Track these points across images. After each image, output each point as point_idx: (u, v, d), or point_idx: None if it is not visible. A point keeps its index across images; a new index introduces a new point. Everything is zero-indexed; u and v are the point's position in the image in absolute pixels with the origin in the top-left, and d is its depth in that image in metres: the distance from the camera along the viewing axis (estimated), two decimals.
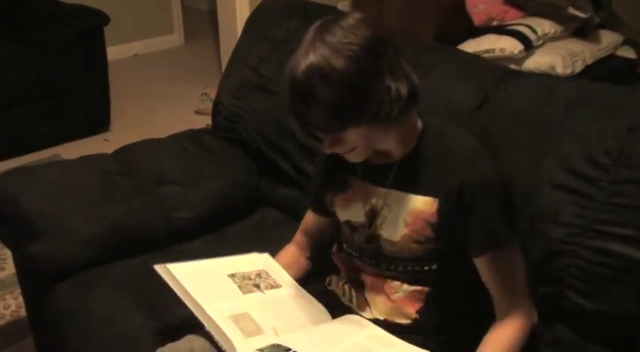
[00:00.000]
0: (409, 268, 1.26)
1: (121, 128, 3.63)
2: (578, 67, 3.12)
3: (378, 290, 1.31)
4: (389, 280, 1.29)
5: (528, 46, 3.02)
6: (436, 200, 1.20)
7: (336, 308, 1.36)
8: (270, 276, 1.40)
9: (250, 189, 1.92)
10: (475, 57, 1.81)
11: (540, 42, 3.09)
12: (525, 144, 1.35)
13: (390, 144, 1.24)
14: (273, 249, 1.52)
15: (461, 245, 1.21)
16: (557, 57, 3.06)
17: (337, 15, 1.15)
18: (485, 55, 2.89)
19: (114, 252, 1.69)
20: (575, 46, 3.19)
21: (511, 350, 1.19)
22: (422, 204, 1.22)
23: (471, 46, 3.00)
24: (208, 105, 3.37)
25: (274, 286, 1.37)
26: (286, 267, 1.45)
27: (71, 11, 3.48)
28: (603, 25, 3.33)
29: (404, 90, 1.15)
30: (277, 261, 1.47)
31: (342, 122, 1.14)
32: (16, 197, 1.69)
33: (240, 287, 1.33)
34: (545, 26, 3.12)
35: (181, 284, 1.27)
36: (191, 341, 1.28)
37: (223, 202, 1.85)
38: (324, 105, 1.10)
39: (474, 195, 1.17)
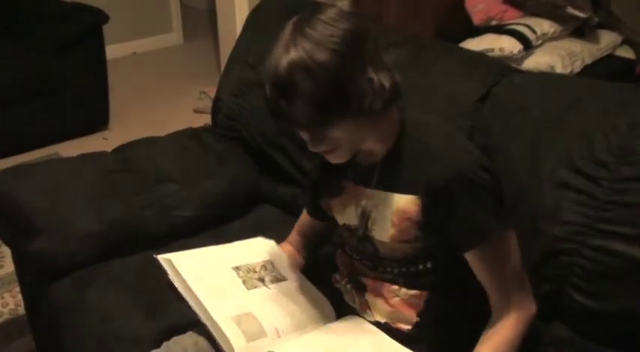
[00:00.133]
0: (404, 269, 1.26)
1: (119, 126, 3.63)
2: (577, 67, 3.12)
3: (377, 293, 1.30)
4: (387, 283, 1.28)
5: (527, 46, 3.02)
6: (418, 198, 1.18)
7: (341, 306, 1.36)
8: (276, 268, 1.39)
9: (250, 187, 1.93)
10: (476, 53, 1.81)
11: (539, 42, 3.10)
12: (527, 142, 1.34)
13: (373, 142, 1.22)
14: None
15: (449, 242, 1.19)
16: (556, 57, 3.07)
17: (315, 9, 1.13)
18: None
19: (113, 249, 1.68)
20: (574, 45, 3.19)
21: (508, 348, 1.18)
22: (405, 203, 1.20)
23: (470, 46, 3.00)
24: (207, 104, 3.37)
25: (279, 279, 1.37)
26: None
27: (70, 10, 3.47)
28: (602, 25, 3.33)
29: (386, 82, 1.14)
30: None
31: (327, 116, 1.11)
32: (16, 194, 1.69)
33: (244, 281, 1.32)
34: (544, 26, 3.13)
35: (184, 280, 1.27)
36: (183, 341, 1.29)
37: (223, 200, 1.85)
38: (308, 100, 1.08)
39: (451, 190, 1.14)
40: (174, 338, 1.31)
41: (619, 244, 1.22)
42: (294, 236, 1.53)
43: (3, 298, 2.34)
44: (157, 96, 4.04)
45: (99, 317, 1.52)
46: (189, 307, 1.26)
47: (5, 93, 3.21)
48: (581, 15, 3.14)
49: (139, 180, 1.80)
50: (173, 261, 1.31)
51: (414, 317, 1.27)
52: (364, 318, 1.32)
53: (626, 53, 3.39)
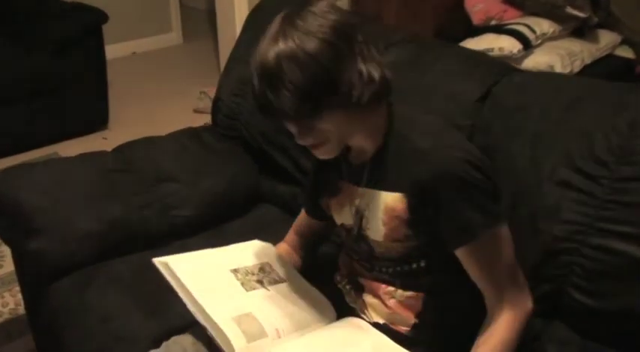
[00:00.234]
0: (398, 268, 1.25)
1: (119, 126, 3.63)
2: (577, 67, 3.12)
3: (375, 294, 1.30)
4: (384, 285, 1.28)
5: (527, 46, 3.03)
6: (405, 196, 1.18)
7: (342, 307, 1.35)
8: (274, 270, 1.38)
9: (250, 187, 1.93)
10: (476, 53, 1.81)
11: (539, 41, 3.10)
12: (527, 141, 1.34)
13: (362, 139, 1.22)
14: (273, 245, 1.52)
15: (439, 240, 1.18)
16: (555, 56, 3.07)
17: (304, 2, 1.13)
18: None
19: (113, 249, 1.69)
20: (574, 45, 3.19)
21: (505, 348, 1.16)
22: (392, 201, 1.19)
23: (469, 46, 3.00)
24: (207, 104, 3.37)
25: (278, 281, 1.36)
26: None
27: (70, 9, 3.47)
28: (602, 25, 3.33)
29: (376, 75, 1.14)
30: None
31: (314, 107, 1.10)
32: (16, 194, 1.69)
33: (243, 283, 1.31)
34: (543, 26, 3.13)
35: (182, 283, 1.26)
36: (183, 341, 1.29)
37: (223, 199, 1.85)
38: (295, 90, 1.07)
39: (437, 188, 1.13)
40: (173, 338, 1.31)
41: (619, 243, 1.22)
42: (291, 235, 1.53)
43: (3, 298, 2.34)
44: (156, 96, 4.04)
45: (99, 317, 1.52)
46: (187, 309, 1.25)
47: (5, 92, 3.21)
48: (581, 15, 3.14)
49: (138, 179, 1.80)
50: (170, 264, 1.29)
51: (412, 319, 1.26)
52: (364, 319, 1.31)
53: (626, 53, 3.39)
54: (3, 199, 1.71)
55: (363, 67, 1.12)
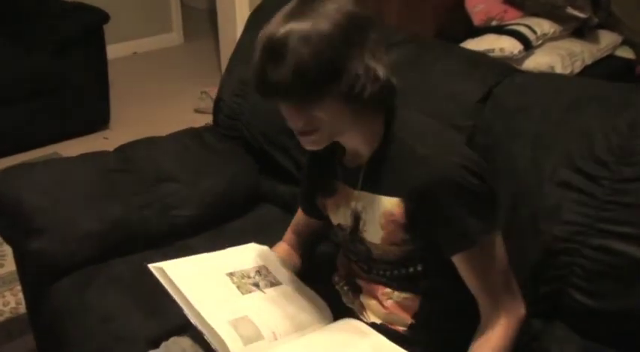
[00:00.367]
0: (395, 272, 1.25)
1: (120, 126, 3.63)
2: (577, 67, 3.12)
3: (372, 295, 1.30)
4: (381, 286, 1.28)
5: (528, 46, 3.03)
6: (402, 201, 1.17)
7: (339, 308, 1.35)
8: (270, 273, 1.38)
9: (250, 187, 1.93)
10: (477, 54, 1.82)
11: (540, 42, 3.10)
12: (527, 141, 1.35)
13: (355, 140, 1.21)
14: (273, 245, 1.52)
15: (437, 245, 1.18)
16: (556, 57, 3.07)
17: None
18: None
19: (114, 249, 1.69)
20: (575, 46, 3.19)
21: None
22: (390, 205, 1.19)
23: (470, 46, 3.00)
24: (208, 104, 3.38)
25: (274, 283, 1.35)
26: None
27: (71, 9, 3.48)
28: (602, 26, 3.33)
29: (381, 75, 1.12)
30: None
31: (314, 90, 1.07)
32: (17, 194, 1.70)
33: (239, 287, 1.31)
34: (544, 26, 3.13)
35: (178, 288, 1.25)
36: (182, 341, 1.29)
37: (223, 199, 1.85)
38: (299, 68, 1.05)
39: (435, 193, 1.13)
40: (172, 339, 1.31)
41: (619, 244, 1.22)
42: (289, 235, 1.53)
43: (4, 297, 2.34)
44: (157, 96, 4.04)
45: (99, 316, 1.52)
46: (184, 314, 1.24)
47: (6, 92, 3.21)
48: (581, 15, 3.14)
49: (139, 179, 1.81)
50: (165, 269, 1.29)
51: (408, 320, 1.26)
52: (361, 319, 1.31)
53: (626, 53, 3.39)
54: (4, 199, 1.71)
55: (371, 63, 1.11)
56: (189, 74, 4.38)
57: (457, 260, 1.18)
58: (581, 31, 3.26)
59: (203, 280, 1.31)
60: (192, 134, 2.02)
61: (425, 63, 1.61)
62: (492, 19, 3.22)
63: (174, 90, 4.11)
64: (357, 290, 1.34)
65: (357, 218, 1.26)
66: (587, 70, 3.15)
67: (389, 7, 3.41)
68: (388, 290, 1.27)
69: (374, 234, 1.23)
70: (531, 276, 1.31)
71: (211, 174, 1.88)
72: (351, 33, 1.08)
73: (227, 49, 3.03)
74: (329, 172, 1.32)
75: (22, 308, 2.19)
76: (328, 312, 1.34)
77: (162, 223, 1.76)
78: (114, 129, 3.62)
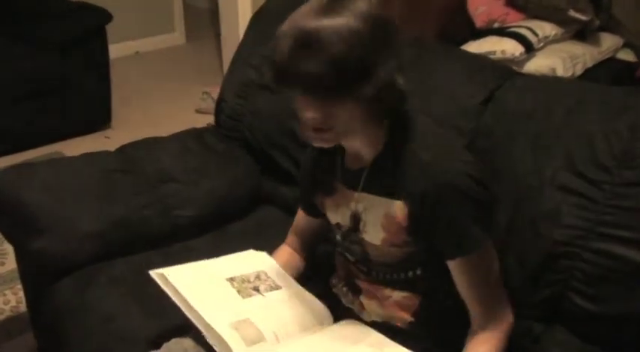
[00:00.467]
0: (395, 276, 1.26)
1: (121, 126, 3.63)
2: (579, 70, 3.12)
3: (372, 295, 1.31)
4: (381, 287, 1.29)
5: (529, 49, 3.03)
6: (405, 204, 1.18)
7: (338, 310, 1.36)
8: (270, 277, 1.39)
9: (252, 188, 1.93)
10: (479, 56, 1.82)
11: (541, 44, 3.10)
12: (528, 145, 1.35)
13: (360, 143, 1.21)
14: (274, 247, 1.53)
15: (436, 248, 1.20)
16: (557, 59, 3.07)
17: None
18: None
19: (115, 249, 1.69)
20: (576, 48, 3.19)
21: None
22: (393, 207, 1.20)
23: (472, 48, 3.01)
24: (209, 104, 3.38)
25: (274, 287, 1.36)
26: (282, 267, 1.44)
27: (74, 9, 3.48)
28: (603, 28, 3.33)
29: (401, 84, 1.14)
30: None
31: (342, 86, 1.07)
32: (19, 193, 1.70)
33: (239, 291, 1.31)
34: (546, 29, 3.13)
35: (179, 292, 1.26)
36: (183, 342, 1.29)
37: (225, 200, 1.85)
38: (332, 62, 1.04)
39: (437, 198, 1.14)
40: (174, 340, 1.31)
41: (620, 248, 1.23)
42: (291, 237, 1.53)
43: (5, 295, 2.34)
44: (159, 96, 4.04)
45: (100, 317, 1.52)
46: (186, 318, 1.25)
47: (9, 91, 3.22)
48: (583, 18, 3.14)
49: (141, 180, 1.81)
50: (166, 274, 1.30)
51: (408, 318, 1.28)
52: (361, 319, 1.32)
53: (628, 56, 3.39)
54: (6, 198, 1.72)
55: (395, 71, 1.12)
56: (191, 74, 4.38)
57: (454, 265, 1.19)
58: (582, 34, 3.26)
59: (204, 285, 1.32)
60: (194, 134, 2.02)
61: (426, 65, 1.62)
62: (494, 21, 3.22)
63: (176, 90, 4.11)
64: (356, 291, 1.34)
65: (356, 219, 1.27)
66: (589, 73, 3.15)
67: (390, 9, 3.41)
68: (388, 290, 1.28)
69: (374, 235, 1.24)
70: (532, 280, 1.31)
71: (213, 175, 1.88)
72: (383, 36, 1.09)
73: (229, 50, 3.03)
74: (329, 172, 1.32)
75: (23, 307, 2.19)
76: (328, 315, 1.35)
77: (163, 224, 1.76)
78: (115, 128, 3.63)
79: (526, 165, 1.33)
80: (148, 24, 4.80)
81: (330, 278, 1.44)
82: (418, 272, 1.24)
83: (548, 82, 1.53)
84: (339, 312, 1.35)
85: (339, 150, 1.29)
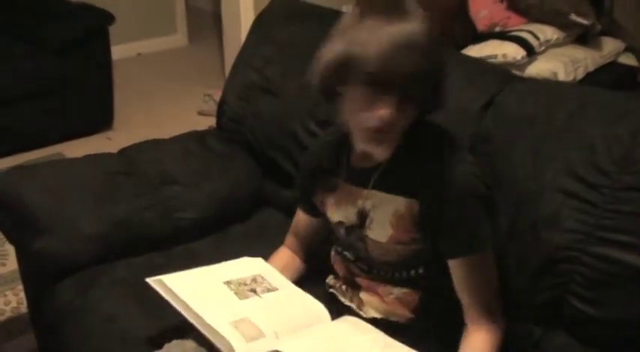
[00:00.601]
0: (397, 274, 1.28)
1: (123, 127, 3.64)
2: (580, 74, 3.13)
3: (373, 292, 1.33)
4: (382, 284, 1.31)
5: (531, 52, 3.03)
6: (417, 202, 1.22)
7: (336, 309, 1.37)
8: (266, 280, 1.40)
9: (253, 190, 1.93)
10: (479, 61, 1.82)
11: (542, 48, 3.10)
12: (529, 149, 1.35)
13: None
14: (275, 249, 1.53)
15: (440, 247, 1.23)
16: (559, 63, 3.07)
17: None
18: (488, 61, 2.90)
19: (117, 250, 1.69)
20: (577, 52, 3.20)
21: None
22: (404, 205, 1.23)
23: (473, 52, 3.02)
24: (211, 106, 3.38)
25: (271, 289, 1.37)
26: (280, 270, 1.46)
27: (76, 10, 3.48)
28: (605, 33, 3.34)
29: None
30: (270, 264, 1.47)
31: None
32: (20, 194, 1.70)
33: (236, 293, 1.33)
34: (547, 32, 3.14)
35: (177, 296, 1.28)
36: (185, 343, 1.29)
37: (226, 203, 1.86)
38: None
39: (450, 198, 1.18)
40: (175, 341, 1.31)
41: (619, 252, 1.23)
42: (290, 239, 1.54)
43: (5, 296, 2.35)
44: (161, 98, 4.05)
45: (101, 318, 1.52)
46: (186, 320, 1.26)
47: (11, 92, 3.22)
48: (585, 22, 3.15)
49: (142, 181, 1.81)
50: (164, 280, 1.32)
51: (408, 314, 1.30)
52: (360, 316, 1.34)
53: (629, 60, 3.39)
54: (7, 198, 1.72)
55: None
56: (194, 76, 4.38)
57: (457, 264, 1.21)
58: (584, 38, 3.26)
59: (201, 288, 1.33)
60: (196, 137, 2.02)
61: None
62: (496, 24, 3.23)
63: (178, 92, 4.12)
64: (356, 288, 1.36)
65: (363, 216, 1.29)
66: (590, 77, 3.15)
67: None
68: (389, 286, 1.30)
69: (381, 232, 1.26)
70: (531, 283, 1.32)
71: (214, 177, 1.88)
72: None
73: (231, 52, 3.03)
74: (331, 171, 1.35)
75: (24, 308, 2.19)
76: (326, 314, 1.36)
77: (164, 226, 1.77)
78: (117, 130, 3.63)
79: (526, 169, 1.34)
80: (151, 25, 4.81)
81: (325, 279, 1.45)
82: (420, 270, 1.26)
83: (548, 86, 1.53)
84: (338, 311, 1.36)
85: (344, 150, 1.32)
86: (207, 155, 1.95)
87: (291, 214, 1.83)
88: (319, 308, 1.36)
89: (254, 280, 1.38)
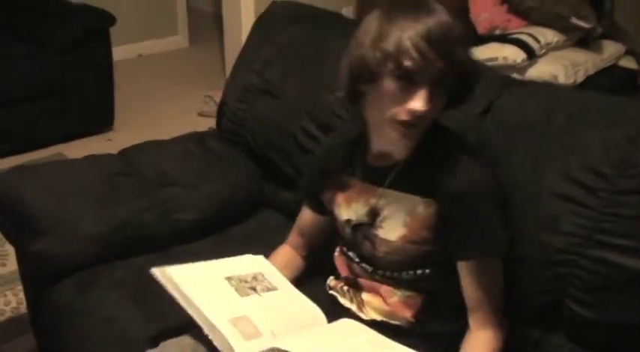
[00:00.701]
0: (403, 274, 1.29)
1: (123, 128, 3.64)
2: (580, 77, 3.13)
3: (375, 293, 1.33)
4: (385, 285, 1.32)
5: (531, 55, 3.04)
6: (434, 202, 1.23)
7: (335, 311, 1.37)
8: (266, 279, 1.41)
9: (253, 192, 1.94)
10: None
11: (543, 51, 3.11)
12: (527, 153, 1.35)
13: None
14: (273, 251, 1.53)
15: (451, 248, 1.24)
16: (559, 66, 3.08)
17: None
18: (489, 64, 2.91)
19: (116, 251, 1.69)
20: (578, 55, 3.20)
21: None
22: (421, 204, 1.24)
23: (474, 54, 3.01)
24: (212, 108, 3.39)
25: (270, 288, 1.38)
26: (281, 268, 1.47)
27: (77, 11, 3.49)
28: (606, 36, 3.34)
29: None
30: (272, 262, 1.48)
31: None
32: (21, 194, 1.70)
33: (237, 290, 1.33)
34: (548, 35, 3.14)
35: (180, 288, 1.28)
36: (181, 341, 1.30)
37: (226, 204, 1.86)
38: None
39: (468, 200, 1.20)
40: (172, 339, 1.32)
41: (617, 256, 1.23)
42: (294, 236, 1.55)
43: (5, 296, 2.35)
44: (161, 99, 4.05)
45: (100, 319, 1.53)
46: (186, 313, 1.27)
47: (11, 92, 3.23)
48: (585, 26, 3.15)
49: (142, 183, 1.81)
50: (167, 271, 1.32)
51: (409, 317, 1.30)
52: (360, 317, 1.34)
53: (629, 63, 3.40)
54: (7, 199, 1.72)
55: None
56: (194, 77, 4.39)
57: (468, 267, 1.23)
58: (584, 41, 3.27)
59: (203, 282, 1.34)
60: (196, 138, 2.02)
61: None
62: (496, 27, 3.24)
63: (178, 93, 4.12)
64: (358, 289, 1.36)
65: (374, 214, 1.30)
66: (590, 80, 3.16)
67: None
68: (392, 288, 1.31)
69: (392, 230, 1.27)
70: (530, 287, 1.32)
71: (214, 178, 1.89)
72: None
73: (232, 54, 3.04)
74: (341, 168, 1.37)
75: (23, 308, 2.19)
76: (323, 318, 1.37)
77: (164, 227, 1.77)
78: (118, 131, 3.64)
79: (525, 173, 1.34)
80: (152, 27, 4.81)
81: (326, 280, 1.45)
82: (427, 271, 1.27)
83: (547, 91, 1.53)
84: (337, 313, 1.37)
85: (360, 148, 1.34)
86: (207, 156, 1.95)
87: (290, 216, 1.83)
88: (316, 312, 1.37)
89: (255, 278, 1.39)
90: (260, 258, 1.48)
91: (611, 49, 3.34)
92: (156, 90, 4.17)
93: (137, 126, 3.62)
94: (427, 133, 1.24)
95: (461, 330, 1.27)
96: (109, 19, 3.43)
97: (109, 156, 1.93)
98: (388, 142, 1.23)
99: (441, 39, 1.14)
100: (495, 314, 1.24)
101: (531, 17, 3.23)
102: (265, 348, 1.19)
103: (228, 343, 1.19)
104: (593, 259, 1.25)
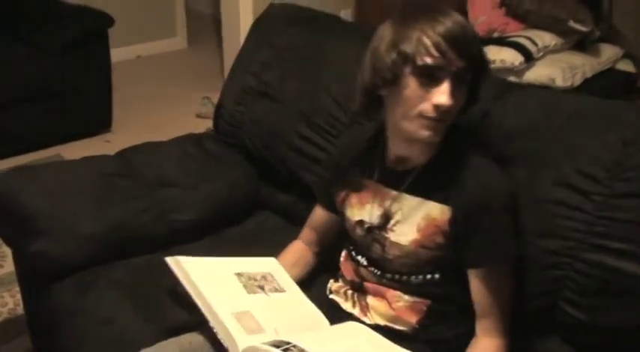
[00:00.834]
0: (412, 278, 1.29)
1: (122, 129, 3.65)
2: (578, 80, 3.14)
3: (380, 297, 1.33)
4: (391, 289, 1.32)
5: (529, 58, 3.04)
6: (450, 209, 1.23)
7: (337, 317, 1.38)
8: (275, 280, 1.42)
9: (250, 193, 1.94)
10: None
11: (541, 54, 3.12)
12: (523, 157, 1.36)
13: (417, 146, 1.27)
14: (271, 252, 1.54)
15: (462, 254, 1.24)
16: (557, 69, 3.08)
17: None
18: None
19: (113, 252, 1.70)
20: (576, 58, 3.21)
21: None
22: (436, 210, 1.25)
23: None
24: (210, 109, 3.39)
25: (278, 290, 1.40)
26: (293, 264, 1.49)
27: (76, 12, 3.50)
28: (603, 39, 3.35)
29: None
30: (284, 257, 1.50)
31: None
32: (18, 195, 1.70)
33: (245, 286, 1.36)
34: (545, 38, 3.15)
35: (190, 277, 1.31)
36: (179, 340, 1.31)
37: (223, 205, 1.86)
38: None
39: (486, 207, 1.21)
40: (170, 339, 1.32)
41: (612, 259, 1.23)
42: (307, 231, 1.56)
43: (2, 297, 2.35)
44: (159, 100, 4.06)
45: (98, 319, 1.53)
46: (190, 304, 1.28)
47: (10, 94, 3.23)
48: (583, 29, 3.16)
49: (140, 184, 1.82)
50: (181, 260, 1.36)
51: (414, 323, 1.30)
52: (364, 321, 1.34)
53: (627, 66, 3.41)
54: (5, 200, 1.72)
55: None
56: (192, 79, 4.40)
57: (479, 274, 1.23)
58: (582, 44, 3.27)
59: (213, 275, 1.36)
60: (193, 139, 2.03)
61: None
62: (494, 30, 3.24)
63: (176, 95, 4.13)
64: (363, 293, 1.37)
65: (387, 217, 1.30)
66: (588, 83, 3.16)
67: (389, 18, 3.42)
68: (398, 293, 1.31)
69: (404, 234, 1.27)
70: (525, 290, 1.32)
71: (211, 179, 1.89)
72: None
73: (230, 55, 3.04)
74: (361, 170, 1.37)
75: (20, 310, 2.19)
76: (326, 324, 1.37)
77: (161, 227, 1.77)
78: (116, 132, 3.64)
79: (520, 176, 1.33)
80: (150, 28, 4.82)
81: (326, 284, 1.46)
82: (436, 276, 1.28)
83: (543, 96, 1.53)
84: (338, 318, 1.37)
85: (378, 151, 1.35)
86: (204, 157, 1.95)
87: (286, 217, 1.84)
88: (320, 318, 1.38)
89: (264, 277, 1.41)
90: (272, 260, 1.50)
91: (609, 52, 3.35)
92: (154, 92, 4.17)
93: (135, 128, 3.62)
94: (446, 138, 1.25)
95: (464, 335, 1.27)
96: (107, 21, 3.43)
97: (107, 157, 1.93)
98: (417, 139, 1.24)
99: (460, 37, 1.17)
100: (503, 321, 1.25)
101: (529, 20, 3.24)
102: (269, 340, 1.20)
103: (231, 336, 1.20)
104: (588, 262, 1.26)
